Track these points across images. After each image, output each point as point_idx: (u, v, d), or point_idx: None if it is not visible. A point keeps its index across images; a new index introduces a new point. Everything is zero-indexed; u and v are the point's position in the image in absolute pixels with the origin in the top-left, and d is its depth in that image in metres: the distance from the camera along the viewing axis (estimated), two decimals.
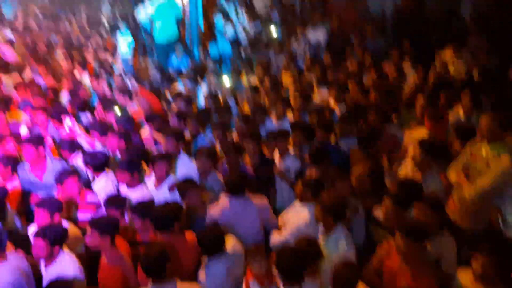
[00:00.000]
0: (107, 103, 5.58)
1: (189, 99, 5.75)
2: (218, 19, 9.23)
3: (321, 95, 6.05)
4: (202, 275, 2.97)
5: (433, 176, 3.51)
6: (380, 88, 5.43)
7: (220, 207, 3.45)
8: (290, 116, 5.30)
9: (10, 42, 8.07)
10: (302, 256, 2.70)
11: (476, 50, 6.96)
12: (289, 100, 5.69)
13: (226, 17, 9.17)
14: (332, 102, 5.49)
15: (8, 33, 8.83)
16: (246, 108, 5.66)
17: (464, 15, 7.83)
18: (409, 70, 6.47)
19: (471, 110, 4.62)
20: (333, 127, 4.49)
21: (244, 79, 6.75)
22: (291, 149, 4.25)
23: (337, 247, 3.05)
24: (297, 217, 3.38)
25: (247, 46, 8.06)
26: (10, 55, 7.55)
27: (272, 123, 5.14)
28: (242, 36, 8.78)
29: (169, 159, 4.00)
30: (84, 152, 4.34)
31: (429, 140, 3.71)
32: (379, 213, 3.32)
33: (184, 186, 3.55)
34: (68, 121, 5.13)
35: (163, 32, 8.32)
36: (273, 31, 8.58)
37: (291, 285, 2.67)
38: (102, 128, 4.73)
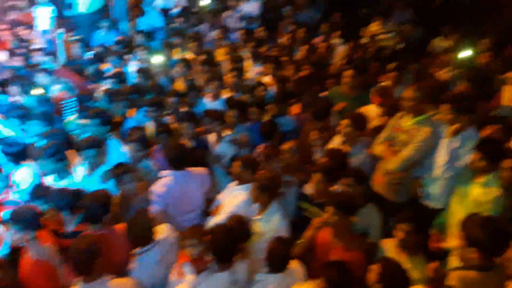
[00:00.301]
0: (25, 84, 5.16)
1: (118, 78, 5.48)
2: None
3: (255, 70, 6.01)
4: (133, 266, 2.91)
5: (359, 149, 3.67)
6: (311, 62, 5.51)
7: (163, 183, 3.41)
8: (225, 95, 5.22)
9: None
10: (232, 235, 2.72)
11: (402, 22, 7.27)
12: (223, 77, 5.59)
13: None
14: (267, 78, 5.46)
15: None
16: (180, 86, 5.49)
17: None
18: (338, 43, 6.61)
19: (397, 82, 4.84)
20: (266, 104, 4.51)
21: (176, 55, 6.51)
22: (226, 133, 4.21)
23: (271, 223, 3.12)
24: (234, 199, 3.39)
25: (179, 19, 7.73)
26: None
27: (206, 102, 5.05)
28: (173, 7, 8.43)
29: (97, 144, 3.81)
30: (1, 140, 4.01)
31: (356, 114, 3.84)
32: (309, 188, 3.41)
33: (117, 172, 3.42)
34: None
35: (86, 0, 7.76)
36: (205, 2, 8.32)
37: (222, 264, 2.69)
38: (20, 113, 4.38)
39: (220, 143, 4.19)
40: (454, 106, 3.21)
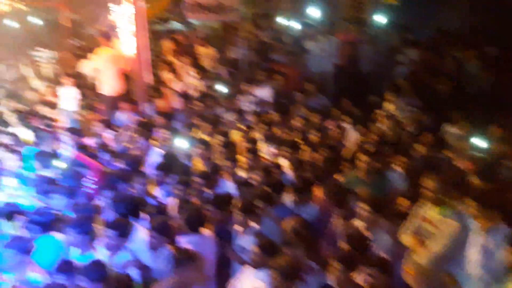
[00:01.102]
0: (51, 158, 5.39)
1: (134, 160, 5.62)
2: (166, 74, 9.35)
3: (269, 152, 6.23)
4: None
5: (381, 235, 3.70)
6: (326, 145, 5.73)
7: None
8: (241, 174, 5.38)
9: None
10: None
11: (408, 108, 7.63)
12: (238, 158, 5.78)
13: (174, 72, 9.32)
14: (283, 161, 5.63)
15: None
16: (200, 166, 5.66)
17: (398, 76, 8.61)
18: (350, 127, 6.89)
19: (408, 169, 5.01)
20: (284, 187, 4.62)
21: (196, 135, 6.79)
22: None
23: None
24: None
25: (197, 101, 8.17)
26: None
27: (225, 183, 5.17)
28: (191, 91, 8.93)
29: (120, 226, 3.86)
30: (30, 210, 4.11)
31: (376, 198, 3.93)
32: (330, 276, 3.38)
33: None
34: None
35: (107, 84, 8.24)
36: (221, 87, 8.81)
37: None
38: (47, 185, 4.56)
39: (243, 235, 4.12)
40: (479, 201, 3.24)
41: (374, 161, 4.90)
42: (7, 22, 16.03)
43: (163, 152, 5.98)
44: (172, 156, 5.77)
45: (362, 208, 3.81)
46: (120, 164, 5.63)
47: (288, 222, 3.74)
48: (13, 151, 5.81)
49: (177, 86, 8.99)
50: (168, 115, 7.56)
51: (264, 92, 8.47)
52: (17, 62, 11.56)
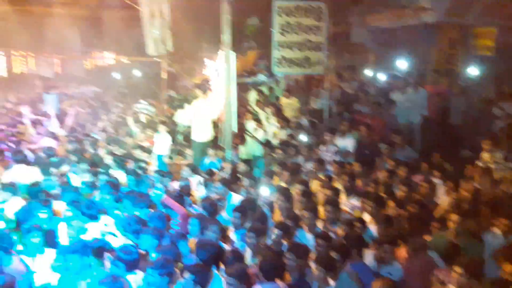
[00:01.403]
0: (140, 200, 5.74)
1: (210, 205, 5.68)
2: (249, 123, 9.71)
3: (351, 204, 6.03)
4: None
5: None
6: (414, 201, 5.41)
7: None
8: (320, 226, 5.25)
9: None
10: None
11: (507, 164, 6.99)
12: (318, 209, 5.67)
13: (257, 121, 9.65)
14: (365, 215, 5.42)
15: None
16: (279, 216, 5.65)
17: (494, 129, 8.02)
18: (439, 183, 6.46)
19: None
20: (365, 243, 4.41)
21: (276, 183, 6.84)
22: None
23: None
24: None
25: (278, 149, 8.30)
26: None
27: (305, 234, 5.07)
28: (272, 140, 9.13)
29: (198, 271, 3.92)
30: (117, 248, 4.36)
31: (470, 261, 3.60)
32: None
33: None
34: None
35: (200, 131, 8.77)
36: (302, 136, 8.88)
37: None
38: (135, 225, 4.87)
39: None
40: None
41: (468, 222, 4.51)
42: (113, 74, 18.14)
43: (242, 198, 6.09)
44: (250, 202, 5.84)
45: (458, 272, 3.48)
46: (200, 209, 5.83)
47: (376, 284, 3.56)
48: (111, 190, 6.30)
49: (259, 134, 9.25)
50: (249, 162, 7.74)
51: (347, 142, 8.36)
52: (119, 109, 12.88)
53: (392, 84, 10.83)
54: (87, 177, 6.93)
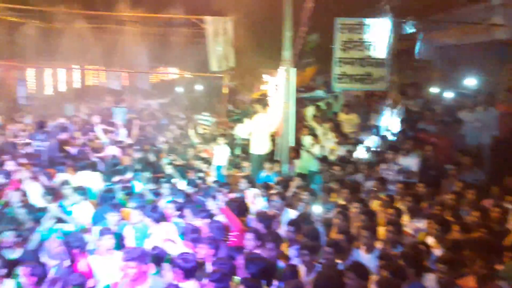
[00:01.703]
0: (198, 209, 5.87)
1: (265, 218, 5.66)
2: (306, 138, 9.64)
3: (414, 227, 5.75)
4: None
5: None
6: (484, 226, 5.04)
7: None
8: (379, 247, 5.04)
9: None
10: None
11: None
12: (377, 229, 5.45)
13: (314, 136, 9.54)
14: (430, 239, 5.13)
15: None
16: (335, 234, 5.50)
17: None
18: None
19: None
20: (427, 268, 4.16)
21: (333, 200, 6.70)
22: None
23: None
24: None
25: (336, 166, 8.13)
26: None
27: (360, 255, 4.90)
28: (329, 155, 8.98)
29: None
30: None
31: None
32: None
33: None
34: None
35: (258, 144, 8.85)
36: (362, 153, 8.65)
37: None
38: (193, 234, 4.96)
39: None
40: None
41: None
42: (176, 88, 18.91)
43: (297, 213, 6.01)
44: (305, 218, 5.74)
45: None
46: (256, 222, 5.81)
47: None
48: (174, 199, 6.48)
49: (316, 149, 9.15)
50: (305, 177, 7.65)
51: (410, 162, 8.00)
52: (182, 121, 13.35)
53: (460, 103, 10.29)
54: (151, 185, 7.23)
